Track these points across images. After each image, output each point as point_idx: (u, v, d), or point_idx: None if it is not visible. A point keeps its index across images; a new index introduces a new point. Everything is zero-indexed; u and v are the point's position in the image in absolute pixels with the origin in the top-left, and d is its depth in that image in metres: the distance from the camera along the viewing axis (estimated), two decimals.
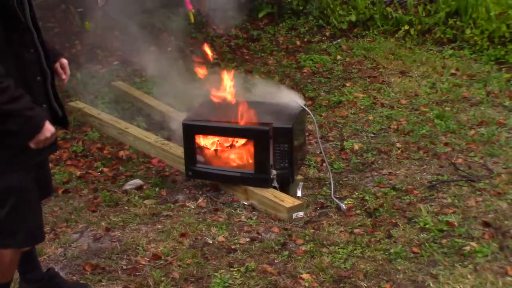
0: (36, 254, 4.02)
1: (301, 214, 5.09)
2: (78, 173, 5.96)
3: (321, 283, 4.17)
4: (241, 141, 5.43)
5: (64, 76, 3.74)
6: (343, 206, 5.19)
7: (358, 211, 5.14)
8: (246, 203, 5.33)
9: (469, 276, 4.13)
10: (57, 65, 3.71)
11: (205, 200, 5.40)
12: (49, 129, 3.32)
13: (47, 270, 4.02)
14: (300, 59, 9.10)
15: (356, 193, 5.45)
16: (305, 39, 9.97)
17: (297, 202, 5.15)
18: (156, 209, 5.26)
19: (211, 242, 4.73)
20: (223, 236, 4.80)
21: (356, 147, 6.37)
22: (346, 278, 4.20)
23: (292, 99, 5.63)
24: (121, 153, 6.33)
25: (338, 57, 9.16)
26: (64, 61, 3.75)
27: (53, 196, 5.33)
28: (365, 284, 4.13)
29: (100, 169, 6.06)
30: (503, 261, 4.33)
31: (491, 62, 8.60)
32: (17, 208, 3.42)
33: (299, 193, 5.44)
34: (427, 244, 4.57)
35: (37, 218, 3.60)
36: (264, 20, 10.65)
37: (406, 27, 9.77)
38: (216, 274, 4.30)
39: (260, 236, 4.81)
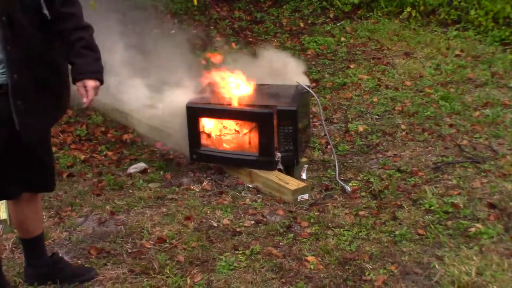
0: (43, 240, 4.02)
1: (306, 196, 5.09)
2: (82, 157, 5.96)
3: (326, 266, 4.16)
4: (246, 123, 5.41)
5: (84, 99, 3.50)
6: (348, 188, 5.18)
7: (363, 193, 5.14)
8: (250, 186, 5.32)
9: (474, 258, 4.12)
10: (81, 84, 3.47)
11: (210, 183, 5.39)
12: None
13: (51, 255, 4.01)
14: (304, 41, 9.07)
15: (361, 175, 5.44)
16: (309, 21, 9.92)
17: (301, 184, 5.14)
18: (161, 193, 5.25)
19: (216, 225, 4.73)
20: (228, 219, 4.80)
21: (360, 129, 6.36)
22: (352, 260, 4.20)
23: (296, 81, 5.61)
24: (125, 136, 6.32)
25: (342, 39, 9.12)
26: (89, 83, 3.47)
27: (57, 180, 5.32)
28: (370, 266, 4.13)
29: (104, 153, 6.06)
30: (508, 242, 4.32)
31: (495, 43, 8.57)
32: None
33: (303, 176, 5.43)
34: (432, 226, 4.56)
35: None
36: (267, 2, 10.61)
37: (409, 9, 9.70)
38: (221, 257, 4.29)
39: (265, 219, 4.81)
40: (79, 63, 3.46)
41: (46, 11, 3.36)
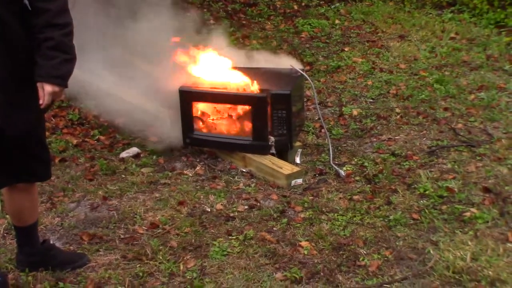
0: (37, 228, 3.97)
1: (299, 181, 5.06)
2: (75, 141, 5.91)
3: (320, 251, 4.14)
4: (239, 107, 5.38)
5: (40, 101, 3.36)
6: (342, 172, 5.15)
7: (357, 178, 5.11)
8: (244, 170, 5.29)
9: (469, 243, 4.10)
10: (40, 85, 3.33)
11: (203, 168, 5.36)
12: None
13: (43, 242, 3.97)
14: (298, 24, 9.02)
15: (355, 159, 5.41)
16: (303, 4, 9.87)
17: (295, 169, 5.12)
18: (154, 177, 5.22)
19: (209, 210, 4.70)
20: (221, 204, 4.77)
21: (355, 112, 6.33)
22: (346, 246, 4.17)
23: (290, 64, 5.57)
24: (118, 120, 6.27)
25: (337, 21, 9.09)
26: (47, 88, 3.30)
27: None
28: (364, 251, 4.10)
29: (97, 137, 6.02)
30: (503, 227, 4.30)
31: (490, 26, 8.55)
32: None
33: (297, 160, 5.40)
34: (427, 211, 4.54)
35: None
36: None
37: None
38: (215, 242, 4.27)
39: (258, 204, 4.78)
40: (42, 65, 3.31)
41: (26, 1, 3.23)
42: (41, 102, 3.36)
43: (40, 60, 3.30)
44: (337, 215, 4.56)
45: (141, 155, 5.61)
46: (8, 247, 4.24)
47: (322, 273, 3.90)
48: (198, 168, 5.36)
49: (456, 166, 5.16)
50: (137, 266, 4.03)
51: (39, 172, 3.72)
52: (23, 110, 3.41)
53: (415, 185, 4.90)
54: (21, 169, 3.60)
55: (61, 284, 3.84)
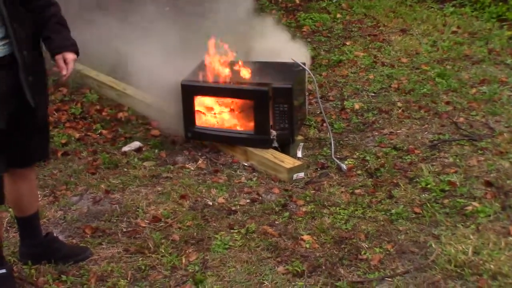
0: (38, 219, 4.01)
1: (301, 174, 5.07)
2: (77, 135, 5.91)
3: (322, 244, 4.15)
4: (241, 101, 5.38)
5: (64, 72, 3.52)
6: (344, 166, 5.15)
7: (359, 172, 5.11)
8: (246, 164, 5.30)
9: (471, 237, 4.11)
10: (60, 57, 3.52)
11: (205, 162, 5.37)
12: None
13: (46, 235, 4.00)
14: (300, 18, 9.01)
15: (357, 153, 5.42)
16: None
17: (297, 162, 5.12)
18: (156, 171, 5.22)
19: (211, 204, 4.71)
20: (223, 198, 4.78)
21: (356, 106, 6.33)
22: (347, 239, 4.18)
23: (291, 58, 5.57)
24: (120, 114, 6.27)
25: (338, 15, 9.07)
26: (69, 56, 3.52)
27: (52, 158, 5.30)
28: (366, 245, 4.11)
29: (99, 131, 6.01)
30: (505, 221, 4.31)
31: (492, 20, 8.53)
32: None
33: (299, 154, 5.41)
34: (428, 204, 4.54)
35: None
36: None
37: None
38: (217, 236, 4.28)
39: (260, 197, 4.79)
40: (56, 38, 3.54)
41: None
42: (64, 72, 3.52)
43: (53, 35, 3.52)
44: (339, 209, 4.57)
45: (143, 149, 5.61)
46: (11, 240, 4.26)
47: (324, 267, 3.92)
48: (200, 162, 5.36)
49: (458, 160, 5.16)
50: (140, 259, 4.05)
51: (42, 154, 3.89)
52: (45, 92, 3.67)
53: (417, 179, 4.91)
54: (33, 149, 3.70)
55: (64, 277, 3.86)
